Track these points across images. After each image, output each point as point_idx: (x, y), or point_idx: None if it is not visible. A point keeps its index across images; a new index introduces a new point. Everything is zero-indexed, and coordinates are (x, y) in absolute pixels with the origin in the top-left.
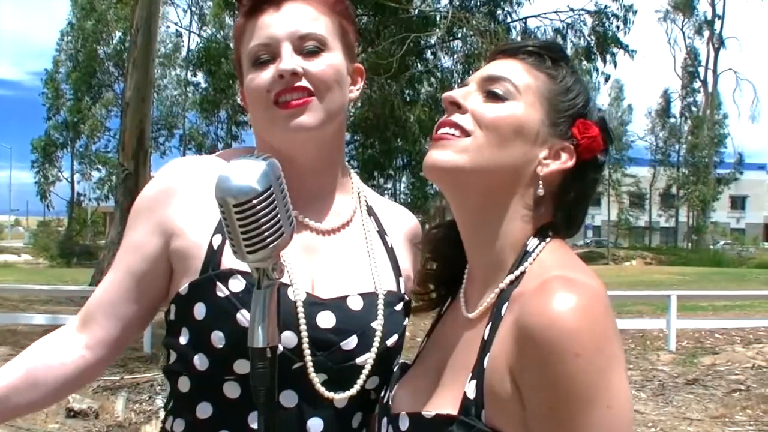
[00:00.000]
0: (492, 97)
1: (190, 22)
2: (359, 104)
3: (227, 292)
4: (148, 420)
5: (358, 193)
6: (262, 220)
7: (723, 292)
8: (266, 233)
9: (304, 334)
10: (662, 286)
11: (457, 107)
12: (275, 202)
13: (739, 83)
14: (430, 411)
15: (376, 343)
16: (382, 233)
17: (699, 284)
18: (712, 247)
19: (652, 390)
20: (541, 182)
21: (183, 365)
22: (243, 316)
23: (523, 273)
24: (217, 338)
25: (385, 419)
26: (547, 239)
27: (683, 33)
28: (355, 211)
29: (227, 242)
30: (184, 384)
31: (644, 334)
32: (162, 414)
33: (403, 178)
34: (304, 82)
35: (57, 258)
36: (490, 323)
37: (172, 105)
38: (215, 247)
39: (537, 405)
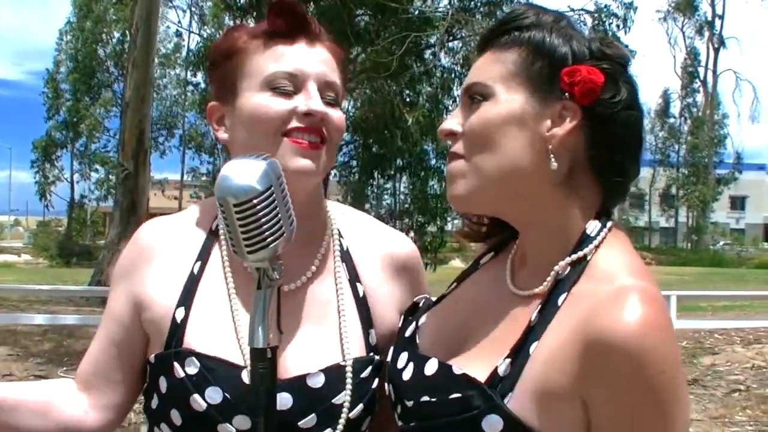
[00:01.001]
0: (475, 103)
1: (190, 22)
2: (359, 104)
3: (182, 374)
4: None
5: (332, 234)
6: (263, 220)
7: (723, 293)
8: (266, 233)
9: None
10: (662, 287)
11: (453, 135)
12: (275, 202)
13: (738, 83)
14: (459, 369)
15: (342, 420)
16: (354, 280)
17: (699, 284)
18: (711, 247)
19: None
20: (552, 156)
21: (155, 424)
22: (196, 401)
23: (581, 260)
24: (175, 416)
25: (405, 354)
26: (608, 224)
27: (683, 33)
28: (328, 259)
29: (190, 313)
30: None
31: None
32: None
33: (404, 178)
34: (322, 127)
35: (56, 258)
36: (541, 308)
37: (171, 105)
38: (178, 321)
39: (612, 416)
